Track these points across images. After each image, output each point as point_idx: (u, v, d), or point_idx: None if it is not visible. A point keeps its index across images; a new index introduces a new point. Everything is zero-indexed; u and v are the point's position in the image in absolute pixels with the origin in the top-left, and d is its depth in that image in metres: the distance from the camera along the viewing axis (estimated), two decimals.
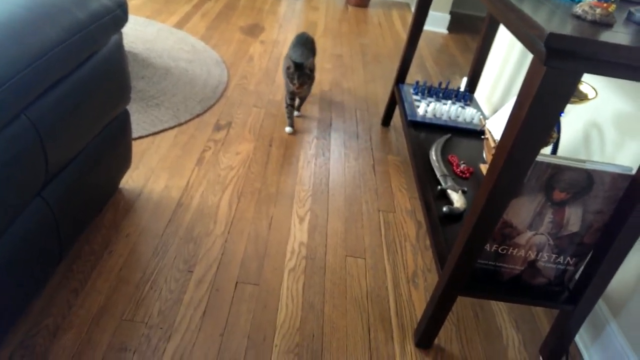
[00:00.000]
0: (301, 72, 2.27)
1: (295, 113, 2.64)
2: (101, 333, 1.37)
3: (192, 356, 1.35)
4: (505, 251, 1.33)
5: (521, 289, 1.38)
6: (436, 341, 1.51)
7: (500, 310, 1.67)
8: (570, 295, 1.38)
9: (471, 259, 1.26)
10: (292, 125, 2.50)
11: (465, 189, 1.72)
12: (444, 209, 1.61)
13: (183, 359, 1.34)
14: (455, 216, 1.62)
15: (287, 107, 2.48)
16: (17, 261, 1.21)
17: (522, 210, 1.26)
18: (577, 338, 1.60)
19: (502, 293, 1.37)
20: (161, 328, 1.41)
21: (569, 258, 1.34)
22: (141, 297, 1.50)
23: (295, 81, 2.27)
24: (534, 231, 1.29)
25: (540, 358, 1.52)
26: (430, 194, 1.71)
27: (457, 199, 1.66)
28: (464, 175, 1.84)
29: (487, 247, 1.33)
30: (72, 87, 1.34)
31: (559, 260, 1.34)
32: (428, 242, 1.92)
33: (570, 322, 1.39)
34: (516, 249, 1.33)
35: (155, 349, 1.35)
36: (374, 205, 2.09)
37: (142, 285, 1.54)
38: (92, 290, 1.49)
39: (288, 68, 2.29)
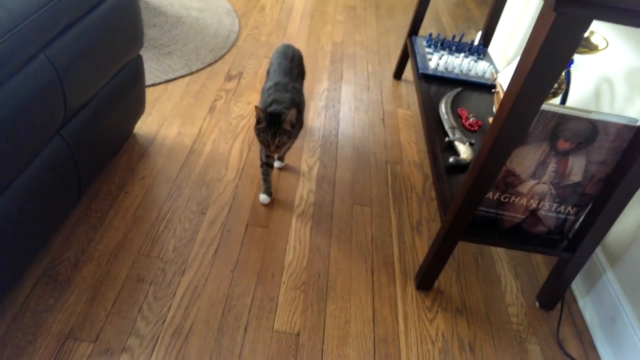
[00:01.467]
0: (278, 129, 1.53)
1: (278, 164, 1.94)
2: (119, 266, 1.45)
3: (205, 289, 1.44)
4: (507, 199, 1.37)
5: (521, 236, 1.43)
6: (436, 284, 1.58)
7: (500, 259, 1.72)
8: (569, 244, 1.42)
9: (473, 205, 1.30)
10: (269, 191, 1.76)
11: (473, 141, 1.74)
12: (450, 159, 1.64)
13: (196, 291, 1.43)
14: (461, 167, 1.65)
15: (261, 167, 1.72)
16: (39, 195, 1.28)
17: (525, 159, 1.28)
18: (573, 286, 1.66)
19: (502, 240, 1.41)
20: (176, 263, 1.49)
21: (569, 208, 1.37)
22: (157, 234, 1.57)
23: (270, 144, 1.55)
24: (537, 180, 1.32)
25: (537, 304, 1.58)
26: (437, 145, 1.74)
27: (464, 151, 1.69)
28: (472, 128, 1.85)
29: (490, 195, 1.36)
30: (88, 28, 1.37)
31: (559, 209, 1.38)
32: (434, 194, 1.96)
33: (568, 270, 1.44)
34: (518, 198, 1.36)
35: (170, 282, 1.43)
36: (382, 157, 2.12)
37: (157, 224, 1.61)
38: (110, 227, 1.57)
39: (258, 122, 1.56)
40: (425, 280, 1.54)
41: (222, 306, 1.40)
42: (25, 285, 1.36)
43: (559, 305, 1.57)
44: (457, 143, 1.72)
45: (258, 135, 1.58)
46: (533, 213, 1.39)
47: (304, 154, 2.05)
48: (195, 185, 1.80)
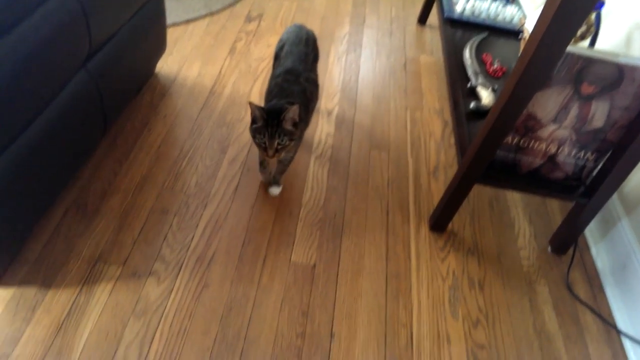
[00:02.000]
0: (277, 128, 1.30)
1: (275, 190, 1.61)
2: (144, 198, 1.52)
3: (226, 222, 1.50)
4: (526, 144, 1.37)
5: (538, 181, 1.44)
6: (450, 227, 1.62)
7: (516, 204, 1.74)
8: (586, 190, 1.43)
9: (492, 148, 1.31)
10: (268, 180, 1.63)
11: (496, 87, 1.72)
12: (471, 105, 1.63)
13: (218, 223, 1.49)
14: (481, 113, 1.64)
15: (260, 165, 1.61)
16: (67, 126, 1.33)
17: (548, 103, 1.27)
18: (587, 232, 1.67)
19: (519, 184, 1.43)
20: (198, 197, 1.55)
21: (589, 154, 1.37)
22: (179, 170, 1.62)
23: (268, 147, 1.33)
24: (558, 125, 1.31)
25: (549, 248, 1.61)
26: (459, 90, 1.72)
27: (486, 97, 1.67)
28: (496, 74, 1.82)
29: (509, 139, 1.36)
30: None
31: (579, 155, 1.37)
32: (452, 140, 1.96)
33: (583, 216, 1.46)
34: (537, 142, 1.36)
35: (193, 214, 1.50)
36: (402, 103, 2.11)
37: (179, 161, 1.66)
38: (135, 162, 1.62)
39: (254, 121, 1.34)
40: (439, 222, 1.57)
41: (242, 238, 1.47)
42: (56, 212, 1.43)
43: (570, 251, 1.60)
44: (479, 88, 1.70)
45: (254, 137, 1.34)
46: (551, 158, 1.39)
47: (323, 98, 2.05)
48: (215, 126, 1.83)
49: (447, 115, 2.08)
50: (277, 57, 1.61)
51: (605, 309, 1.47)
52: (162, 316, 1.25)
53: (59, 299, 1.25)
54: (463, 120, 1.59)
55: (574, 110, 1.28)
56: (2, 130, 1.08)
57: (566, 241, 1.57)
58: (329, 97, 2.06)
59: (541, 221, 1.71)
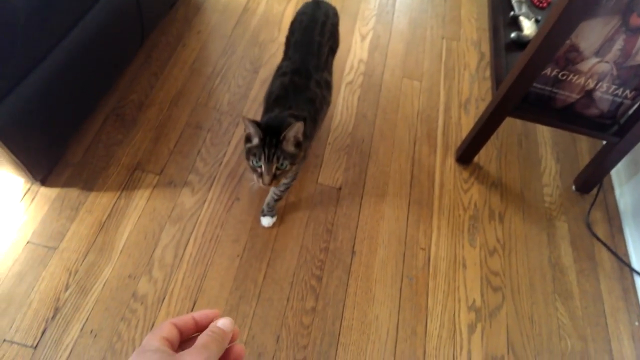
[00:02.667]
0: (276, 150, 1.02)
1: (267, 221, 1.36)
2: (179, 112, 1.56)
3: None
4: (564, 77, 1.34)
5: (572, 117, 1.42)
6: (476, 160, 1.63)
7: (545, 142, 1.73)
8: (619, 129, 1.41)
9: (529, 79, 1.29)
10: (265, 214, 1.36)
11: (539, 18, 1.65)
12: (512, 34, 1.58)
13: None
14: (521, 44, 1.59)
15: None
16: (107, 35, 1.34)
17: (592, 34, 1.23)
18: (613, 173, 1.67)
19: (552, 119, 1.41)
20: (230, 115, 1.58)
21: (627, 91, 1.34)
22: (212, 87, 1.65)
23: (264, 173, 1.04)
24: (600, 58, 1.27)
25: (573, 187, 1.62)
26: (500, 19, 1.66)
27: (528, 27, 1.61)
28: (541, 5, 1.74)
29: (548, 71, 1.33)
30: None
31: (617, 92, 1.34)
32: (487, 73, 1.92)
33: (612, 155, 1.45)
34: (577, 76, 1.33)
35: (226, 131, 1.54)
36: (439, 31, 2.05)
37: (213, 78, 1.68)
38: (170, 76, 1.65)
39: (248, 139, 1.06)
40: (466, 154, 1.58)
41: None
42: (96, 120, 1.49)
43: (594, 191, 1.61)
44: (522, 18, 1.63)
45: (247, 158, 1.06)
46: (589, 94, 1.36)
47: (357, 22, 2.01)
48: (248, 45, 1.82)
49: (484, 47, 2.02)
50: (287, 41, 1.33)
51: (621, 249, 1.50)
52: (196, 223, 1.33)
53: (100, 201, 1.34)
54: (502, 50, 1.55)
55: (618, 43, 1.24)
56: (47, 33, 1.11)
57: (591, 181, 1.57)
58: (364, 21, 2.01)
59: (568, 160, 1.70)
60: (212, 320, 0.45)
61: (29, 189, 1.33)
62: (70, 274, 1.20)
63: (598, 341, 1.31)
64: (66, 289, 1.18)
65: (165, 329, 0.42)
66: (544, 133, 1.76)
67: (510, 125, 1.76)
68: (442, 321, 1.28)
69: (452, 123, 1.73)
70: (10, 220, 1.27)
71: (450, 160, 1.61)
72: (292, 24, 1.34)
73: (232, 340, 0.45)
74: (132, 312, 1.17)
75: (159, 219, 1.33)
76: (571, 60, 1.29)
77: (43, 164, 1.30)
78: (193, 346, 0.41)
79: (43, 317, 1.13)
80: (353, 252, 1.36)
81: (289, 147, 1.04)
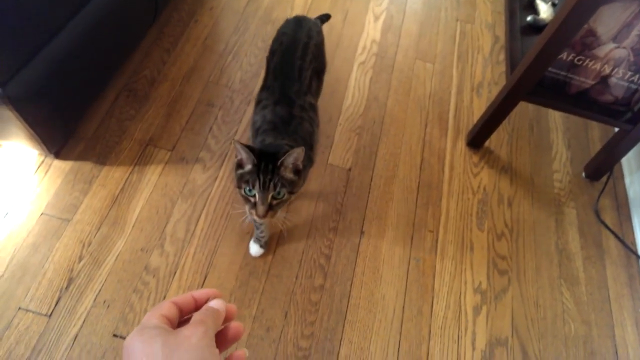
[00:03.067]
0: (272, 177, 0.91)
1: (255, 250, 1.27)
2: (191, 89, 1.56)
3: None
4: (580, 62, 1.33)
5: (586, 103, 1.41)
6: (487, 144, 1.63)
7: (557, 128, 1.72)
8: (633, 116, 1.40)
9: (545, 64, 1.28)
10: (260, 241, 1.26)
11: (556, 1, 1.63)
12: (528, 18, 1.56)
13: None
14: (537, 28, 1.57)
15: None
16: (121, 9, 1.34)
17: (610, 19, 1.21)
18: (624, 161, 1.66)
19: (566, 104, 1.40)
20: (242, 93, 1.58)
21: None
22: (224, 65, 1.65)
23: (259, 203, 0.92)
24: (617, 44, 1.26)
25: (583, 174, 1.62)
26: (517, 2, 1.64)
27: (545, 11, 1.59)
28: None
29: (564, 55, 1.32)
30: None
31: (632, 79, 1.33)
32: (501, 57, 1.90)
33: (624, 143, 1.44)
34: (592, 61, 1.32)
35: (237, 109, 1.54)
36: (453, 13, 2.02)
37: (225, 55, 1.67)
38: (182, 52, 1.65)
39: (239, 165, 0.95)
40: (477, 138, 1.58)
41: None
42: (109, 94, 1.50)
43: (604, 178, 1.60)
44: (538, 1, 1.61)
45: (239, 186, 0.93)
46: (604, 80, 1.35)
47: (371, 2, 1.98)
48: (261, 22, 1.81)
49: (499, 30, 2.00)
50: (268, 64, 1.22)
51: (629, 236, 1.51)
52: (207, 200, 1.35)
53: (113, 175, 1.35)
54: (517, 34, 1.53)
55: (637, 29, 1.22)
56: (61, 7, 1.11)
57: (602, 168, 1.57)
58: (378, 1, 1.99)
59: (579, 147, 1.70)
60: (212, 298, 0.46)
61: (42, 162, 1.35)
62: (83, 246, 1.23)
63: (601, 326, 1.32)
64: (80, 260, 1.20)
65: (165, 307, 0.43)
66: (555, 119, 1.75)
67: (523, 110, 1.75)
68: (448, 302, 1.29)
69: (464, 106, 1.72)
70: (25, 192, 1.28)
71: (461, 144, 1.61)
72: (273, 43, 1.24)
73: (228, 319, 0.46)
74: (145, 285, 1.19)
75: (171, 195, 1.34)
76: (588, 45, 1.28)
77: (57, 137, 1.31)
78: (190, 322, 0.42)
79: (57, 286, 1.16)
80: (362, 233, 1.37)
81: (288, 174, 0.92)
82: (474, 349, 1.23)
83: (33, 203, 1.27)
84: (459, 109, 1.71)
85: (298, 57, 1.15)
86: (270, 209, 0.92)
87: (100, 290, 1.17)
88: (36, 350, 1.07)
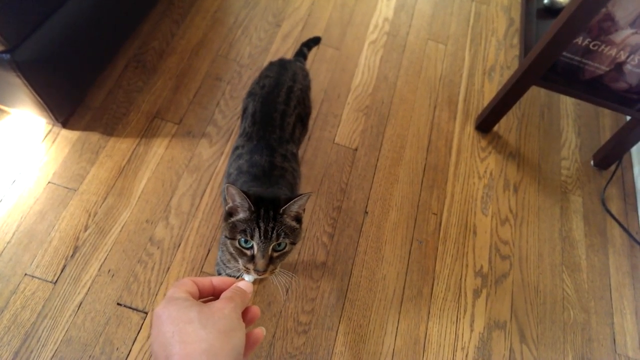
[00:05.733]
0: (274, 226, 0.77)
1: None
2: (200, 62, 1.55)
3: None
4: (596, 47, 1.30)
5: (599, 89, 1.38)
6: (495, 128, 1.61)
7: (567, 115, 1.70)
8: None
9: (559, 48, 1.25)
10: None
11: None
12: (545, 0, 1.52)
13: None
14: (554, 11, 1.53)
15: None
16: None
17: (629, 4, 1.18)
18: (633, 150, 1.64)
19: (578, 90, 1.38)
20: (250, 69, 1.57)
21: None
22: (234, 39, 1.63)
23: (258, 257, 0.77)
24: (634, 30, 1.23)
25: (592, 162, 1.60)
26: None
27: None
28: None
29: (579, 40, 1.29)
30: None
31: None
32: (515, 41, 1.87)
33: (635, 131, 1.42)
34: (608, 47, 1.29)
35: (245, 84, 1.53)
36: None
37: (234, 29, 1.65)
38: (191, 24, 1.63)
39: (230, 214, 0.81)
40: (486, 122, 1.56)
41: None
42: (117, 65, 1.49)
43: (612, 167, 1.59)
44: None
45: (232, 237, 0.78)
46: (619, 67, 1.32)
47: None
48: None
49: (515, 13, 1.96)
50: (245, 108, 1.12)
51: (634, 226, 1.50)
52: (212, 174, 1.35)
53: (120, 147, 1.36)
54: (533, 17, 1.50)
55: None
56: None
57: (611, 156, 1.55)
58: None
59: (590, 135, 1.67)
60: (229, 286, 0.50)
61: (50, 130, 1.35)
62: (89, 216, 1.24)
63: (601, 314, 1.33)
64: (85, 230, 1.22)
65: (188, 284, 0.47)
66: (567, 105, 1.73)
67: (534, 96, 1.72)
68: (449, 284, 1.30)
69: (474, 90, 1.70)
70: (32, 160, 1.29)
71: (470, 128, 1.60)
72: (253, 85, 1.15)
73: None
74: (149, 256, 1.20)
75: (177, 168, 1.35)
76: (605, 30, 1.25)
77: (65, 106, 1.32)
78: (220, 298, 0.46)
79: (63, 254, 1.18)
80: (365, 213, 1.37)
81: (290, 222, 0.80)
82: (472, 330, 1.24)
83: (40, 171, 1.28)
84: (469, 92, 1.68)
85: (281, 102, 1.06)
86: (271, 262, 0.78)
87: (105, 260, 1.18)
88: (41, 315, 1.09)
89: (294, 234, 0.80)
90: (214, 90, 1.50)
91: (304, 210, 0.84)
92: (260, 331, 0.49)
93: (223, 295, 0.47)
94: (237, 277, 0.61)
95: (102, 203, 1.26)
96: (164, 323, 0.42)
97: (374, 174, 1.45)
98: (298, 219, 0.83)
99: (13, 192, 1.24)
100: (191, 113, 1.44)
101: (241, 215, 0.78)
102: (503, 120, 1.61)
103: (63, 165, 1.30)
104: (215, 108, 1.47)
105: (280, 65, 1.18)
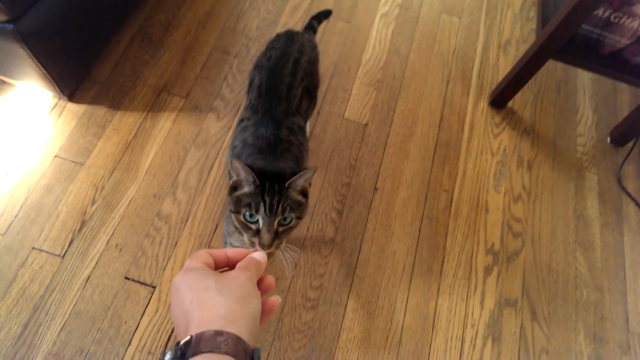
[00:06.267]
0: (280, 199, 0.75)
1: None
2: (207, 35, 1.52)
3: None
4: (617, 19, 1.25)
5: (618, 64, 1.34)
6: (510, 104, 1.57)
7: (584, 90, 1.65)
8: None
9: (579, 19, 1.20)
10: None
11: None
12: None
13: None
14: None
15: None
16: None
17: None
18: None
19: (597, 64, 1.33)
20: (259, 42, 1.53)
21: None
22: (242, 11, 1.59)
23: (263, 231, 0.75)
24: None
25: (609, 139, 1.56)
26: None
27: None
28: None
29: (600, 11, 1.24)
30: None
31: None
32: (532, 14, 1.81)
33: None
34: (630, 19, 1.24)
35: (253, 58, 1.50)
36: None
37: (242, 1, 1.61)
38: None
39: (235, 187, 0.79)
40: (501, 97, 1.52)
41: None
42: (123, 38, 1.46)
43: (630, 144, 1.54)
44: None
45: (237, 211, 0.77)
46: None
47: None
48: None
49: None
50: (252, 80, 1.09)
51: None
52: (220, 149, 1.33)
53: (126, 121, 1.34)
54: None
55: None
56: None
57: (628, 133, 1.51)
58: None
59: (607, 111, 1.63)
60: (243, 257, 0.50)
61: (56, 104, 1.33)
62: (96, 190, 1.23)
63: (614, 293, 1.30)
64: (93, 204, 1.21)
65: (204, 255, 0.48)
66: (584, 81, 1.67)
67: (550, 71, 1.67)
68: (459, 261, 1.28)
69: (489, 64, 1.65)
70: (38, 133, 1.28)
71: (483, 103, 1.56)
72: (259, 57, 1.12)
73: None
74: (157, 230, 1.20)
75: (184, 143, 1.33)
76: (627, 1, 1.20)
77: (70, 79, 1.29)
78: (235, 267, 0.47)
79: (70, 228, 1.17)
80: (375, 189, 1.35)
81: (296, 196, 0.78)
82: (482, 308, 1.23)
83: (46, 145, 1.27)
84: (483, 67, 1.64)
85: (288, 74, 1.02)
86: (277, 236, 0.77)
87: (112, 234, 1.18)
88: (50, 289, 1.09)
89: (299, 208, 0.79)
90: (221, 64, 1.47)
91: (310, 184, 0.82)
92: (275, 299, 0.50)
93: (238, 265, 0.48)
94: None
95: (109, 177, 1.25)
96: (182, 292, 0.43)
97: (384, 150, 1.42)
98: (304, 193, 0.81)
99: (19, 166, 1.23)
100: (198, 87, 1.42)
101: (246, 189, 0.76)
102: (518, 96, 1.56)
103: (69, 139, 1.29)
104: (223, 82, 1.44)
105: (287, 36, 1.14)
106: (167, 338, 1.07)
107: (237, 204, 0.76)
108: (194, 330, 0.39)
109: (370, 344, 1.14)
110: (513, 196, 1.40)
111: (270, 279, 0.51)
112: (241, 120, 1.01)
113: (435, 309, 1.21)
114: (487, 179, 1.42)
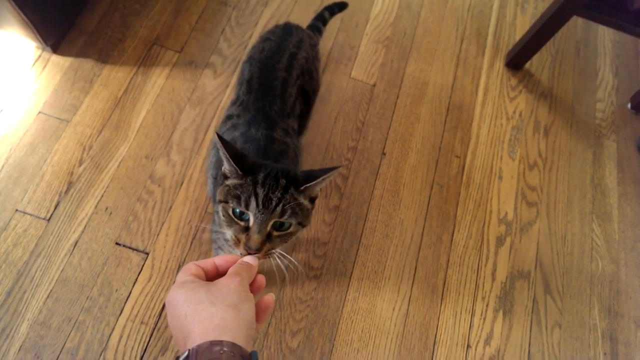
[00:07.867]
0: (281, 195, 0.62)
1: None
2: None
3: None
4: None
5: None
6: (527, 66, 1.47)
7: (605, 53, 1.55)
8: None
9: None
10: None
11: None
12: None
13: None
14: None
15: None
16: None
17: None
18: None
19: (625, 22, 1.23)
20: None
21: None
22: None
23: (251, 231, 0.61)
24: None
25: (629, 105, 1.47)
26: None
27: None
28: None
29: None
30: None
31: None
32: None
33: None
34: None
35: (253, 10, 1.39)
36: None
37: None
38: None
39: (225, 177, 0.67)
40: (518, 58, 1.42)
41: None
42: None
43: None
44: None
45: (225, 200, 0.64)
46: None
47: None
48: None
49: None
50: (242, 73, 0.98)
51: None
52: (217, 108, 1.24)
53: (115, 75, 1.24)
54: None
55: None
56: None
57: None
58: None
59: (628, 76, 1.53)
60: (232, 264, 0.51)
61: (40, 56, 1.23)
62: (84, 149, 1.14)
63: (631, 266, 1.24)
64: (80, 164, 1.12)
65: (193, 267, 0.49)
66: (605, 43, 1.57)
67: (570, 31, 1.57)
68: (470, 231, 1.21)
69: (506, 22, 1.54)
70: (21, 88, 1.18)
71: (499, 64, 1.46)
72: (252, 49, 1.00)
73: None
74: (149, 194, 1.11)
75: (178, 100, 1.23)
76: None
77: (54, 27, 1.18)
78: (226, 274, 0.48)
79: (56, 190, 1.09)
80: (383, 154, 1.27)
81: (304, 200, 0.66)
82: (493, 279, 1.17)
83: (30, 100, 1.17)
84: (500, 25, 1.53)
85: (282, 69, 0.92)
86: (268, 240, 0.62)
87: (102, 197, 1.10)
88: (34, 254, 1.01)
89: (303, 215, 0.65)
90: (218, 16, 1.36)
91: (320, 189, 0.69)
92: (269, 298, 0.51)
93: (230, 270, 0.49)
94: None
95: (98, 136, 1.16)
96: (176, 307, 0.44)
97: (393, 112, 1.33)
98: (312, 200, 0.69)
99: (1, 122, 1.13)
100: (193, 40, 1.31)
101: (234, 178, 0.64)
102: (536, 57, 1.47)
103: (54, 94, 1.19)
104: (220, 36, 1.33)
105: (284, 29, 1.02)
106: (160, 307, 1.00)
107: (227, 194, 0.64)
108: (191, 344, 0.41)
109: (376, 316, 1.08)
110: (528, 163, 1.33)
111: (260, 279, 0.52)
112: (229, 117, 0.90)
113: (445, 280, 1.15)
114: (501, 144, 1.34)
